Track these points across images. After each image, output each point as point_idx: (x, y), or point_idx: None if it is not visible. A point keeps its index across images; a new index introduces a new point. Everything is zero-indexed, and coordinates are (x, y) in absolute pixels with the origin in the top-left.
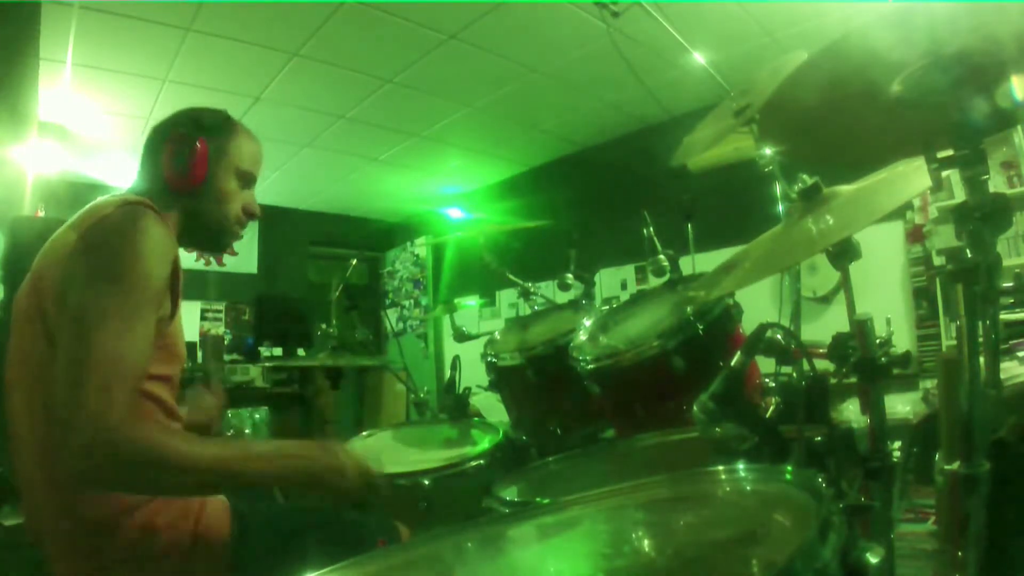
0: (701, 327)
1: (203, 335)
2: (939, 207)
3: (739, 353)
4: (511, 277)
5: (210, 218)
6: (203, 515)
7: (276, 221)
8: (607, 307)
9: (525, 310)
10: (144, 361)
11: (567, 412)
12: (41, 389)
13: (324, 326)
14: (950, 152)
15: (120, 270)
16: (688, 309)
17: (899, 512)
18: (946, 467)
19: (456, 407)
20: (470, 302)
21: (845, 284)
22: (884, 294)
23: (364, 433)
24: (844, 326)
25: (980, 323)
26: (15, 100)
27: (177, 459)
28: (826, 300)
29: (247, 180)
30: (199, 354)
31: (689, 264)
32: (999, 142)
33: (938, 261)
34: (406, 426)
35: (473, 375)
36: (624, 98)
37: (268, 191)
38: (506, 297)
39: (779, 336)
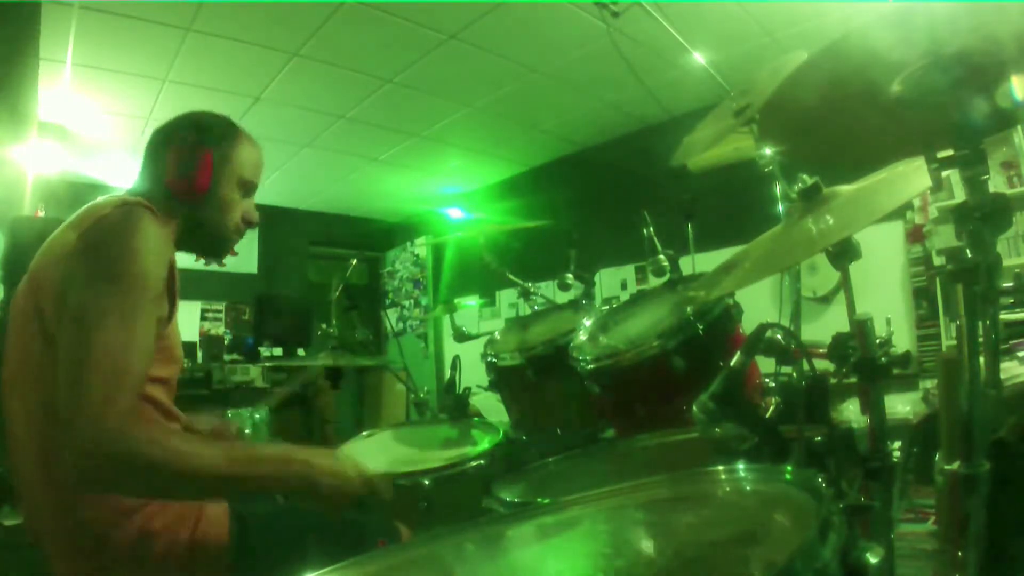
0: (701, 327)
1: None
2: (939, 207)
3: (739, 353)
4: (511, 277)
5: (210, 226)
6: (202, 515)
7: (276, 221)
8: (607, 307)
9: (525, 310)
10: (145, 361)
11: (567, 412)
12: (40, 389)
13: (324, 326)
14: (950, 152)
15: (119, 270)
16: (688, 309)
17: (899, 512)
18: (946, 467)
19: (456, 407)
20: (470, 302)
21: (845, 284)
22: (884, 294)
23: (364, 433)
24: (844, 326)
25: (980, 323)
26: (15, 100)
27: (178, 462)
28: (826, 300)
29: (248, 189)
30: (199, 354)
31: (689, 264)
32: (999, 142)
33: (938, 261)
34: (406, 426)
35: (473, 375)
36: (624, 98)
37: (268, 191)
38: (506, 297)
39: (779, 336)
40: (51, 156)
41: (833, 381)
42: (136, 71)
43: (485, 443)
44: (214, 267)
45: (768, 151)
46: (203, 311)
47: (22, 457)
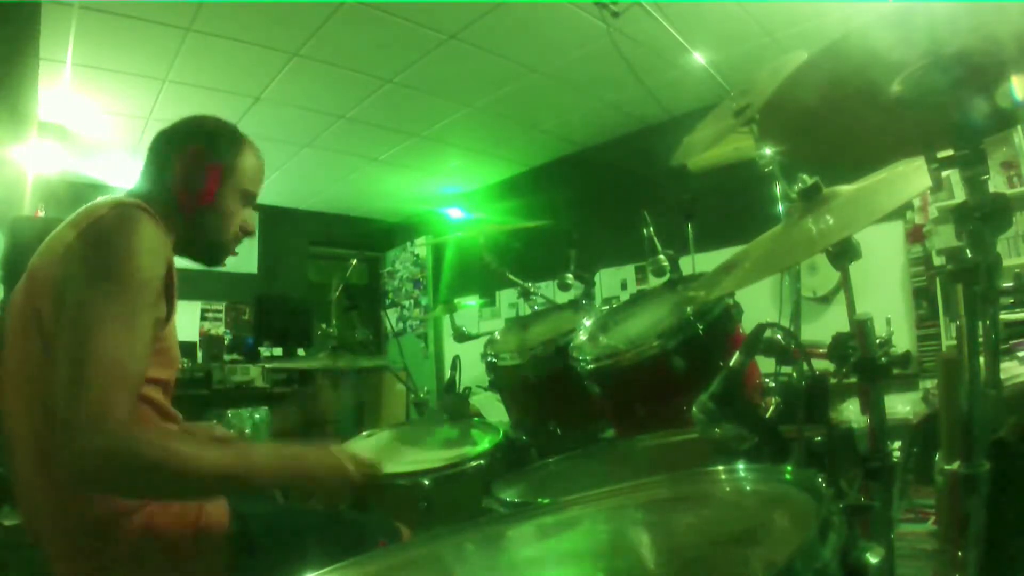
0: (701, 327)
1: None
2: (939, 207)
3: (739, 353)
4: (511, 277)
5: (210, 234)
6: (203, 516)
7: (276, 221)
8: (607, 307)
9: (525, 310)
10: (143, 362)
11: (567, 412)
12: (38, 389)
13: (324, 326)
14: (950, 152)
15: (117, 270)
16: (688, 309)
17: (899, 512)
18: (946, 467)
19: (456, 407)
20: (470, 302)
21: (845, 284)
22: (884, 294)
23: (364, 433)
24: (844, 326)
25: (980, 323)
26: (15, 100)
27: (177, 462)
28: (826, 300)
29: (249, 199)
30: (199, 354)
31: (689, 264)
32: (999, 142)
33: (938, 261)
34: (406, 426)
35: (473, 375)
36: (624, 98)
37: (268, 191)
38: (506, 297)
39: (779, 336)
40: (51, 156)
41: (833, 381)
42: (136, 71)
43: (485, 443)
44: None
45: (768, 151)
46: (203, 311)
47: (21, 457)
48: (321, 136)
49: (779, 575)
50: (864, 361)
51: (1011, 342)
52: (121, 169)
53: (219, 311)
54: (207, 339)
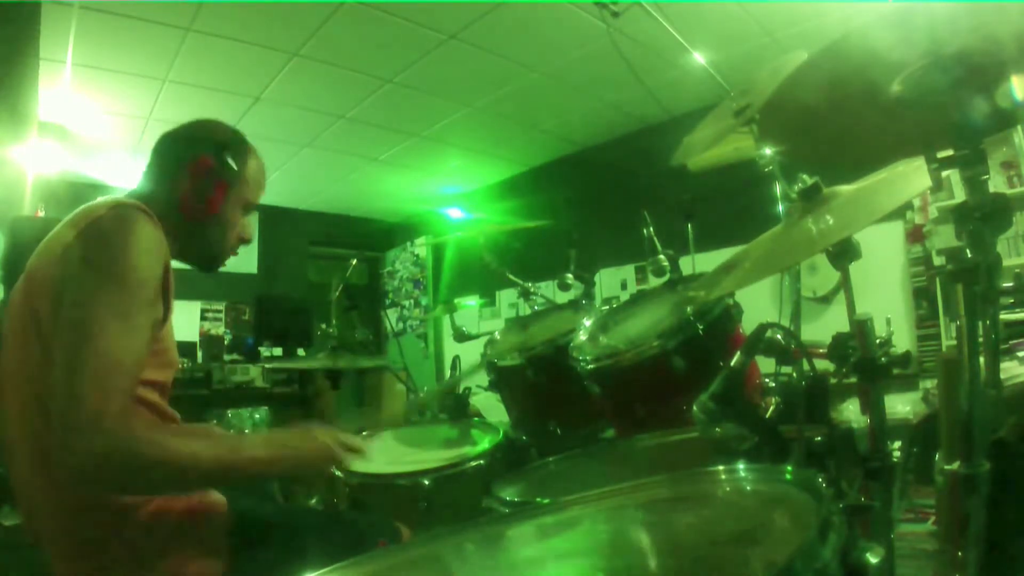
0: (701, 327)
1: None
2: (939, 207)
3: (739, 353)
4: (511, 277)
5: (210, 242)
6: (203, 516)
7: (276, 221)
8: (607, 307)
9: (525, 310)
10: (140, 361)
11: (567, 412)
12: (37, 389)
13: (324, 326)
14: (950, 152)
15: (115, 270)
16: (688, 309)
17: (899, 512)
18: (946, 467)
19: (456, 407)
20: (470, 302)
21: (845, 284)
22: (884, 294)
23: (364, 433)
24: (844, 326)
25: (980, 323)
26: (15, 100)
27: (174, 459)
28: (826, 300)
29: (250, 209)
30: (199, 354)
31: (689, 264)
32: (999, 142)
33: (938, 261)
34: (406, 426)
35: (473, 375)
36: (624, 98)
37: (268, 191)
38: (506, 297)
39: (779, 336)
40: (51, 156)
41: (833, 381)
42: (136, 71)
43: (485, 443)
44: None
45: (768, 151)
46: (203, 311)
47: (21, 457)
48: (321, 136)
49: (779, 575)
50: (864, 361)
51: (1011, 342)
52: (121, 169)
53: (219, 311)
54: (207, 339)
